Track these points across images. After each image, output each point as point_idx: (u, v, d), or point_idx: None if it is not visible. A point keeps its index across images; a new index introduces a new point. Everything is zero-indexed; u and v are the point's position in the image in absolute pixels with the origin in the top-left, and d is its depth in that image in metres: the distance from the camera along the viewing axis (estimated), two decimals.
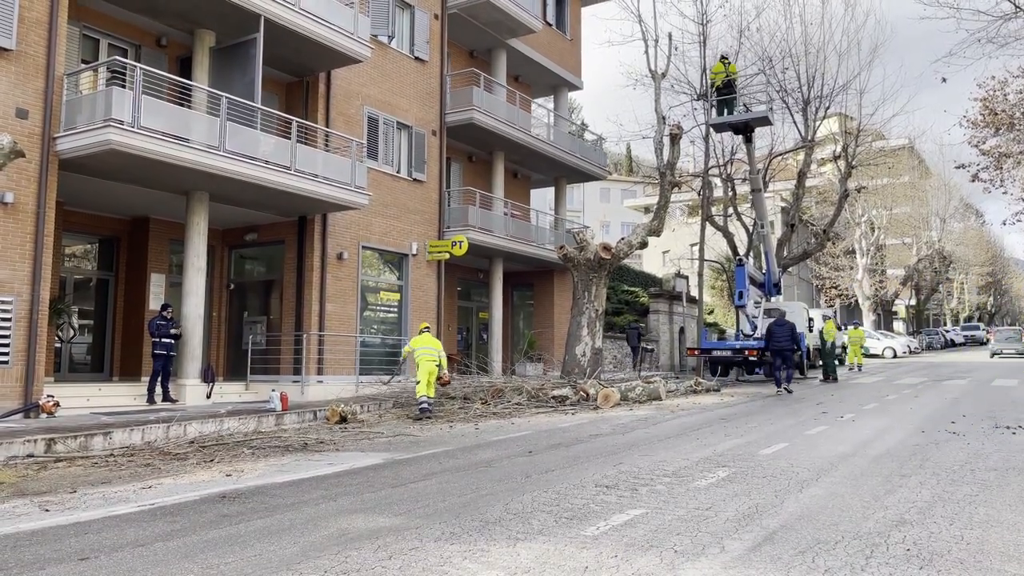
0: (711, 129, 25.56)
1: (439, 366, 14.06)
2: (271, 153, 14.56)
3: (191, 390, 14.53)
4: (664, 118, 22.14)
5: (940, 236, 54.46)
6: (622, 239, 20.34)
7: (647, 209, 55.48)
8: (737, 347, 23.07)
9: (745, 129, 23.91)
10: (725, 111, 23.77)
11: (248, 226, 17.83)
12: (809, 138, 28.45)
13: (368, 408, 14.64)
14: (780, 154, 31.04)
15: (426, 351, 14.05)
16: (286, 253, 17.36)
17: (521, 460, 8.64)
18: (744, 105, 24.18)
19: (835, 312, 40.43)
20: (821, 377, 22.74)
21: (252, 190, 14.62)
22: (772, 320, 20.64)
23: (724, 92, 23.75)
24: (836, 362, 24.03)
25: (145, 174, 13.48)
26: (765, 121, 23.89)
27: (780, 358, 19.23)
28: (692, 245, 42.15)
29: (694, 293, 32.00)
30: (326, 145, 16.66)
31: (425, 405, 13.56)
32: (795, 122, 28.82)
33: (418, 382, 13.77)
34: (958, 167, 28.37)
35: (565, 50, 26.79)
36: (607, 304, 28.13)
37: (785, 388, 18.72)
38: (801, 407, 14.88)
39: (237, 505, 6.37)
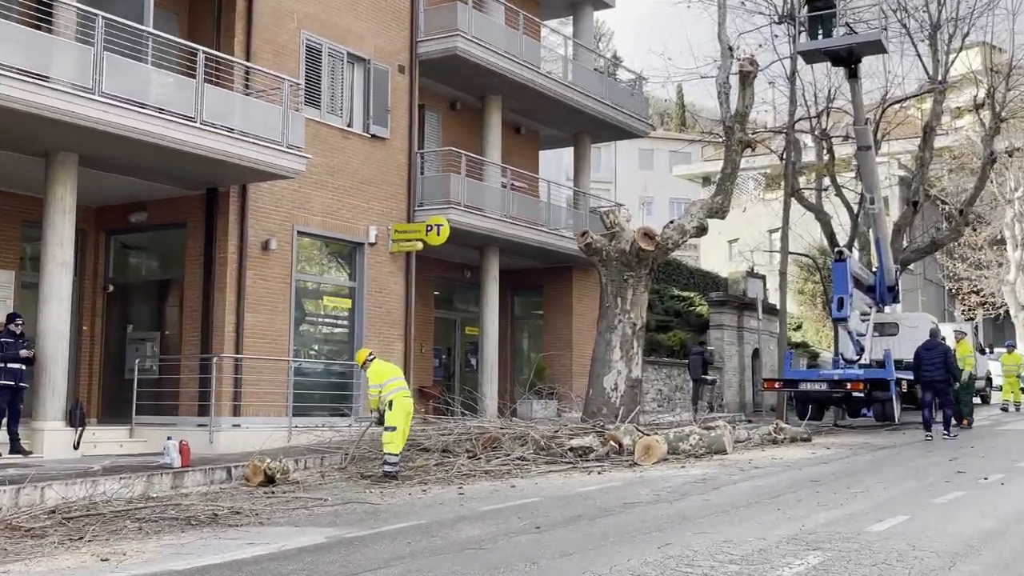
0: (800, 60, 25.55)
1: None
2: (168, 98, 14.52)
3: (51, 437, 14.47)
4: (731, 49, 22.19)
5: None
6: (670, 222, 20.37)
7: (707, 179, 55.50)
8: (836, 378, 23.07)
9: (849, 59, 23.84)
10: (820, 33, 23.70)
11: (134, 202, 17.78)
12: (939, 79, 28.47)
13: (306, 464, 14.55)
14: (898, 100, 31.08)
15: (397, 383, 14.04)
16: (188, 241, 17.34)
17: (525, 540, 8.62)
18: (848, 26, 24.14)
19: (976, 328, 40.35)
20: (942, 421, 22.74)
21: (140, 150, 14.58)
22: (921, 344, 21.38)
23: (819, 6, 23.70)
24: (976, 399, 24.07)
25: None
26: (878, 47, 23.83)
27: (932, 392, 20.24)
28: (771, 231, 42.14)
29: (774, 300, 31.98)
30: (246, 86, 16.59)
31: (392, 469, 13.52)
32: (919, 55, 28.92)
33: (387, 428, 13.64)
34: None
35: None
36: (649, 316, 28.13)
37: (944, 433, 19.54)
38: (926, 464, 14.84)
39: None
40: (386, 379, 14.02)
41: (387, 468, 13.55)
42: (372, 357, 14.45)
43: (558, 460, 15.30)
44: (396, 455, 13.65)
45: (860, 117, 25.09)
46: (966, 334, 27.92)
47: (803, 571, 7.07)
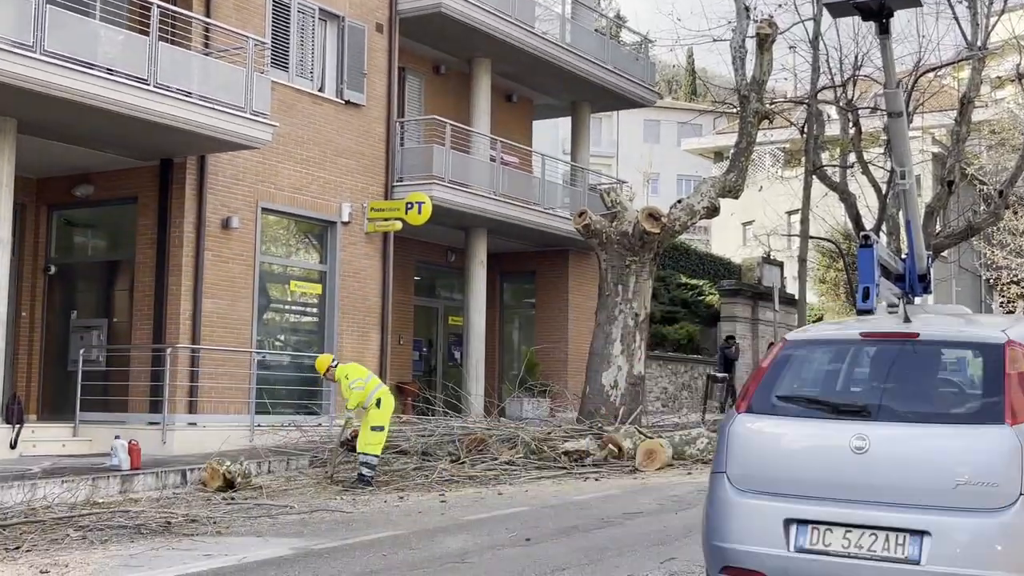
0: (824, 21, 25.53)
1: None
2: (118, 57, 14.48)
3: None
4: (748, 9, 22.16)
5: None
6: (678, 202, 20.39)
7: (719, 154, 55.49)
8: None
9: (880, 12, 23.82)
10: None
11: (79, 174, 17.74)
12: (979, 45, 28.49)
13: (270, 467, 14.59)
14: (933, 68, 31.05)
15: (377, 379, 14.27)
16: (140, 218, 17.30)
17: (513, 553, 8.66)
18: None
19: (1016, 322, 40.50)
20: None
21: (87, 115, 14.54)
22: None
23: None
24: None
25: None
26: (912, 0, 23.84)
27: None
28: (790, 213, 42.20)
29: (792, 290, 32.07)
30: (206, 46, 16.55)
31: (371, 473, 13.57)
32: (956, 19, 28.86)
33: (374, 428, 13.67)
34: None
35: None
36: (653, 306, 28.19)
37: None
38: None
39: None
40: (368, 374, 14.16)
41: (366, 471, 13.53)
42: (336, 363, 14.55)
43: (550, 465, 15.34)
44: (378, 458, 13.70)
45: (891, 79, 24.88)
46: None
47: None
